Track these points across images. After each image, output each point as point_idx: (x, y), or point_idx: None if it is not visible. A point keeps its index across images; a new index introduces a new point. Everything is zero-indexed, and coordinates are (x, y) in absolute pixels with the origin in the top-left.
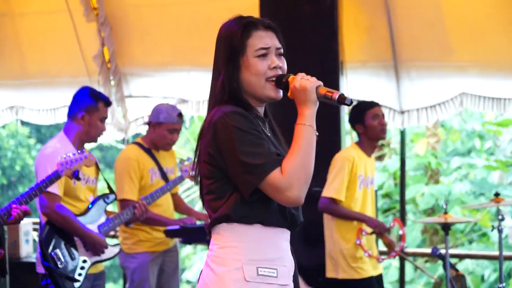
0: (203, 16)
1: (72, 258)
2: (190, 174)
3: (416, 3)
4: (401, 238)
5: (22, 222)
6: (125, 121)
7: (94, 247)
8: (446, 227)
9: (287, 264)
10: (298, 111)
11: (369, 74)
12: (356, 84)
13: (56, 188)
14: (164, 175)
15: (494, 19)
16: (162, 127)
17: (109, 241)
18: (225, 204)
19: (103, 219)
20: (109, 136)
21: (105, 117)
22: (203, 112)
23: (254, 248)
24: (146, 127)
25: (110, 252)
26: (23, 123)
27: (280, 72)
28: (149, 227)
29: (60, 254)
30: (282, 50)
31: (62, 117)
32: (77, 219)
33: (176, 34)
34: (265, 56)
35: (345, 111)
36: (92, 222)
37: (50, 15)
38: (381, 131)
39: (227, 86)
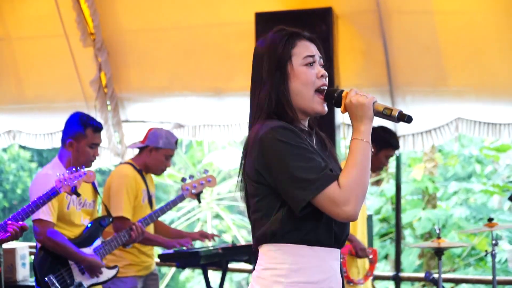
0: (199, 41)
1: (67, 283)
2: (192, 192)
3: (411, 28)
4: (370, 267)
5: (19, 245)
6: (122, 146)
7: (91, 270)
8: (439, 252)
9: (334, 285)
10: (353, 126)
11: None
12: None
13: (48, 215)
14: (150, 199)
15: (490, 44)
16: (160, 152)
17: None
18: (271, 221)
19: (98, 242)
20: (106, 160)
21: (96, 143)
22: (200, 136)
23: (298, 270)
24: (137, 150)
25: (107, 274)
26: (25, 147)
27: (326, 81)
28: (137, 250)
29: (54, 279)
30: (322, 61)
31: (59, 141)
32: (71, 244)
33: (172, 60)
34: (312, 65)
35: (340, 135)
36: (88, 245)
37: (47, 40)
38: (380, 168)
39: (274, 97)
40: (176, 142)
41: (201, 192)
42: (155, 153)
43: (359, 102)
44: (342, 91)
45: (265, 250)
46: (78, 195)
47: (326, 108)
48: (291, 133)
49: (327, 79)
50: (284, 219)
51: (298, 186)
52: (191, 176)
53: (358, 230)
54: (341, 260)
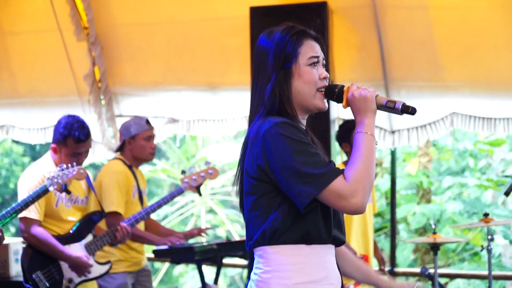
0: (193, 35)
1: (56, 279)
2: (191, 185)
3: (406, 22)
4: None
5: (12, 241)
6: (116, 141)
7: (78, 269)
8: (435, 247)
9: (334, 281)
10: (356, 120)
11: None
12: None
13: (33, 213)
14: (140, 194)
15: (485, 39)
16: (137, 139)
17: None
18: (270, 221)
19: (90, 237)
20: (100, 155)
21: (77, 152)
22: (194, 131)
23: (299, 270)
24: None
25: (99, 270)
26: (17, 141)
27: (327, 83)
28: (126, 246)
29: (42, 276)
30: (324, 62)
31: (52, 136)
32: (56, 242)
33: (166, 54)
34: (315, 65)
35: (335, 130)
36: (78, 241)
37: (40, 34)
38: None
39: (278, 94)
40: (147, 122)
41: (201, 184)
42: (133, 142)
43: (362, 95)
44: (343, 86)
45: (264, 253)
46: (68, 192)
47: (326, 105)
48: (294, 129)
49: (328, 80)
50: (283, 218)
51: (304, 181)
52: (191, 168)
53: (353, 229)
54: None
